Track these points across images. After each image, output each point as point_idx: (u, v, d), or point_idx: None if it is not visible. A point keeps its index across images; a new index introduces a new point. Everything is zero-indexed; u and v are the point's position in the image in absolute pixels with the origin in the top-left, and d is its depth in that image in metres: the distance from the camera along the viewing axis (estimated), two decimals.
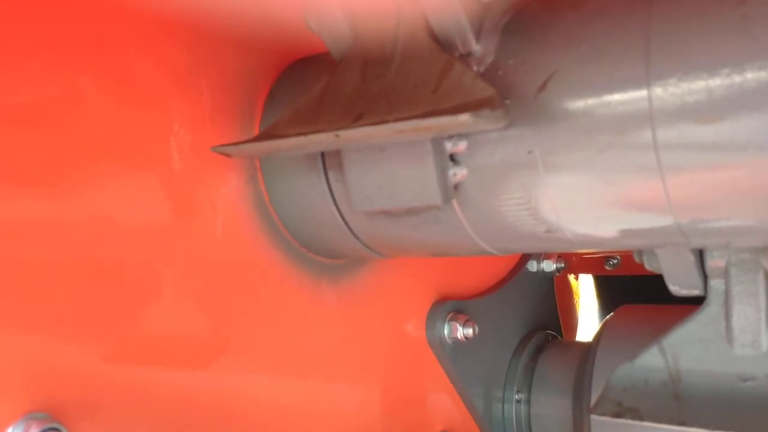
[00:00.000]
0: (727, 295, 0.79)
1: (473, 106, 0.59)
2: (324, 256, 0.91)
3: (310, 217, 0.82)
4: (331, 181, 0.78)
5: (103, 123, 0.66)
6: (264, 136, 0.69)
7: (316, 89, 0.70)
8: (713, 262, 0.80)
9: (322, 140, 0.64)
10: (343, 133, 0.63)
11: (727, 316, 0.79)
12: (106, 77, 0.67)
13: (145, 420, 0.69)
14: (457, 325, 1.11)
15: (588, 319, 2.05)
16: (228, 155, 0.72)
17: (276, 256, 0.84)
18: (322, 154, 0.78)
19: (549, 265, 1.48)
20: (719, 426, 0.72)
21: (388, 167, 0.70)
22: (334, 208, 0.80)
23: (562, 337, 1.53)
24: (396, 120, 0.61)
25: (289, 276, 0.86)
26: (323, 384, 0.92)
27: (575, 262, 1.78)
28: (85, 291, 0.63)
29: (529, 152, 0.65)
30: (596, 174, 0.63)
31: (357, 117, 0.65)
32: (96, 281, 0.64)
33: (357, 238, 0.83)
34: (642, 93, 0.58)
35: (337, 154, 0.74)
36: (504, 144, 0.66)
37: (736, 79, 0.54)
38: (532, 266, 1.47)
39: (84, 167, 0.64)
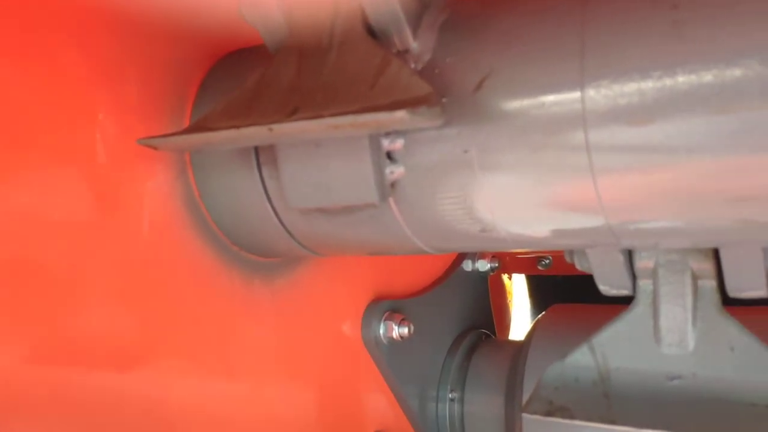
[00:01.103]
0: (655, 295, 0.81)
1: (410, 103, 0.58)
2: (257, 255, 0.89)
3: (242, 214, 0.80)
4: (265, 177, 0.76)
5: (22, 113, 0.62)
6: (194, 128, 0.66)
7: (250, 82, 0.68)
8: (642, 263, 0.82)
9: (255, 134, 0.62)
10: (277, 127, 0.61)
11: (655, 316, 0.81)
12: (25, 64, 0.63)
13: (66, 425, 0.66)
14: (393, 325, 1.10)
15: (521, 318, 2.09)
16: (155, 148, 0.69)
17: (206, 254, 0.82)
18: (256, 149, 0.76)
19: (483, 265, 1.50)
20: (647, 424, 0.73)
21: (324, 164, 0.68)
22: (267, 205, 0.78)
23: (495, 336, 1.55)
24: (332, 115, 0.59)
25: (220, 275, 0.83)
26: (256, 386, 0.90)
27: (509, 262, 1.80)
28: (3, 290, 0.60)
29: (466, 151, 0.65)
30: (530, 174, 0.63)
31: (292, 111, 0.63)
32: (15, 280, 0.61)
33: (291, 236, 0.81)
34: (575, 94, 0.59)
35: (272, 149, 0.72)
36: (441, 142, 0.66)
37: (668, 82, 0.55)
38: (468, 265, 1.48)
39: (1, 160, 0.61)
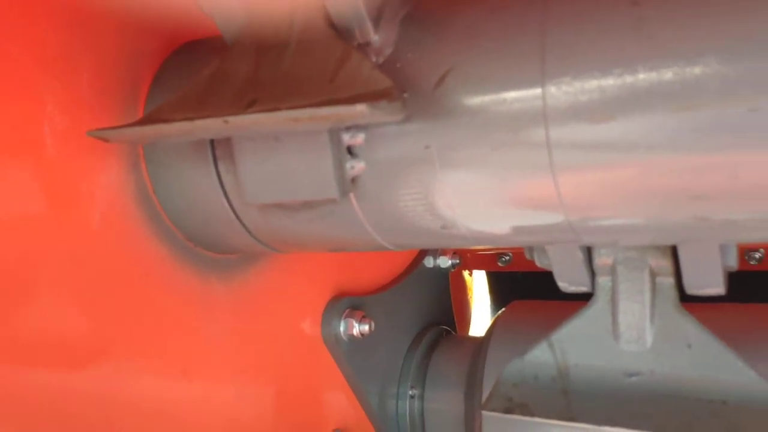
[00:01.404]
0: (613, 292, 0.82)
1: (370, 97, 0.57)
2: (213, 251, 0.87)
3: (197, 210, 0.78)
4: (221, 172, 0.74)
5: None
6: (147, 120, 0.64)
7: (206, 73, 0.66)
8: (601, 260, 0.83)
9: (210, 126, 0.60)
10: (233, 120, 0.59)
11: (614, 313, 0.81)
12: None
13: (13, 425, 0.63)
14: (353, 322, 1.09)
15: (481, 315, 2.10)
16: (106, 140, 0.66)
17: (160, 250, 0.79)
18: (212, 143, 0.74)
19: (445, 262, 1.50)
20: (606, 420, 0.74)
21: (283, 158, 0.67)
22: (224, 200, 0.76)
23: (456, 332, 1.55)
24: (290, 108, 0.58)
25: (174, 271, 0.81)
26: (212, 384, 0.88)
27: (470, 259, 1.81)
28: None
29: (427, 147, 0.64)
30: (491, 171, 0.63)
31: (249, 103, 0.61)
32: None
33: (249, 232, 0.79)
34: (536, 91, 0.58)
35: (228, 142, 0.70)
36: (402, 138, 0.65)
37: (628, 79, 0.54)
38: (429, 262, 1.48)
39: None
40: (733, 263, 0.77)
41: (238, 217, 0.77)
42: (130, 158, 0.76)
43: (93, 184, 0.72)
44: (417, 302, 1.41)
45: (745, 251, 1.35)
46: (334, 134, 0.65)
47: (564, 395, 0.80)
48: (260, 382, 0.98)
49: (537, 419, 0.77)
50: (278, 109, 0.58)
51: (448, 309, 1.57)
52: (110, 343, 0.73)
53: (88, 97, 0.72)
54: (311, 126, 0.60)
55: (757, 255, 1.22)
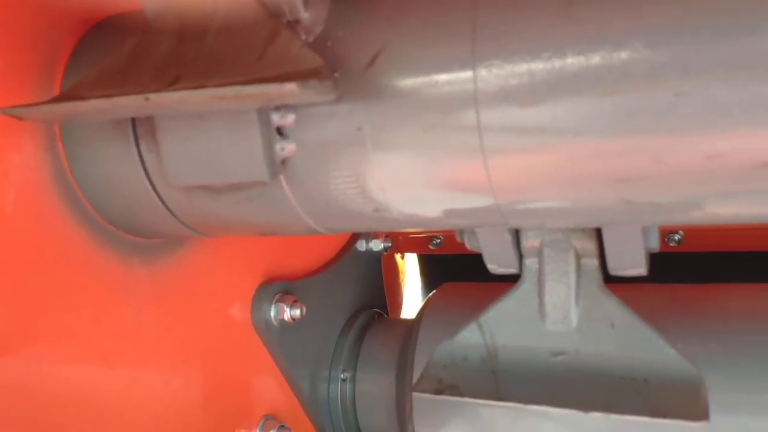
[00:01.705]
0: (540, 273, 0.83)
1: (300, 76, 0.56)
2: (135, 235, 0.83)
3: (118, 192, 0.74)
4: (143, 151, 0.71)
5: None
6: (63, 97, 0.61)
7: (126, 48, 0.63)
8: (528, 242, 0.84)
9: (130, 104, 0.57)
10: (154, 97, 0.56)
11: (540, 294, 0.83)
12: None
13: None
14: (284, 307, 1.08)
15: (413, 297, 2.12)
16: (20, 118, 0.62)
17: (78, 234, 0.75)
18: (133, 121, 0.70)
19: (377, 245, 1.50)
20: (532, 400, 0.75)
21: (209, 138, 0.64)
22: (146, 182, 0.73)
23: (388, 315, 1.56)
24: (216, 86, 0.56)
25: (94, 256, 0.77)
26: (136, 372, 0.85)
27: (401, 242, 1.81)
28: None
29: (359, 129, 0.63)
30: (422, 154, 0.63)
31: (172, 80, 0.58)
32: None
33: (173, 215, 0.77)
34: (467, 74, 0.58)
35: (150, 121, 0.67)
36: (333, 119, 0.63)
37: (557, 63, 0.55)
38: (362, 245, 1.48)
39: None
40: (655, 245, 0.79)
41: (161, 199, 0.75)
42: (47, 137, 0.72)
43: (6, 165, 0.67)
44: (349, 286, 1.41)
45: (665, 233, 1.41)
46: (263, 114, 0.63)
47: (493, 375, 0.81)
48: (188, 368, 0.95)
49: (466, 399, 0.78)
50: (203, 86, 0.56)
51: (381, 292, 1.57)
52: (27, 329, 0.69)
53: (1, 74, 0.67)
54: (238, 105, 0.58)
55: (677, 237, 1.27)
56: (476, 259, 0.89)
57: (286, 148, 0.66)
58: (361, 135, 0.63)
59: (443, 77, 0.59)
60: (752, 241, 1.21)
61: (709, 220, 0.64)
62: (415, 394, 0.81)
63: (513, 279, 0.87)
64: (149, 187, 0.73)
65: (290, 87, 0.54)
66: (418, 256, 2.10)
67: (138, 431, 0.86)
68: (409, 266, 2.03)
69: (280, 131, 0.65)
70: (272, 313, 1.08)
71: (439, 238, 1.80)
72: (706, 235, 1.32)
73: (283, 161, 0.67)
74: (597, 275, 0.82)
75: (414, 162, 0.64)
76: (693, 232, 1.36)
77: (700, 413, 0.70)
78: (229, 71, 0.58)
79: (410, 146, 0.62)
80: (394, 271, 1.82)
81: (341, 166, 0.66)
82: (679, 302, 1.02)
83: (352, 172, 0.66)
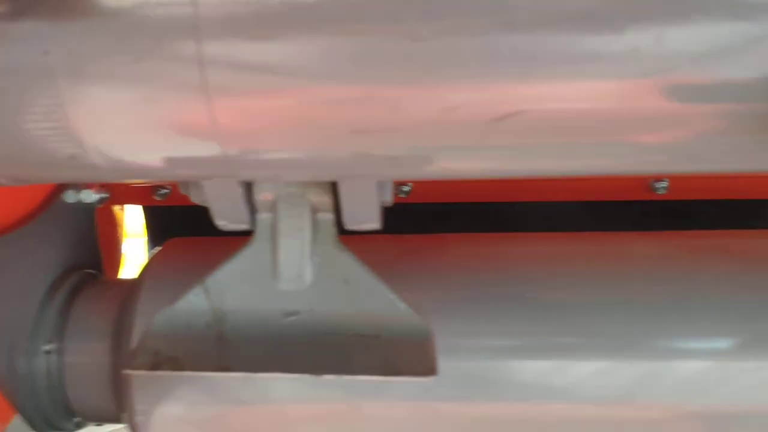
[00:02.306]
0: (274, 229, 0.78)
1: None
2: None
3: None
4: None
5: None
6: None
7: None
8: (262, 196, 0.78)
9: None
10: None
11: (274, 251, 0.78)
12: None
13: None
14: None
15: (137, 255, 1.95)
16: None
17: None
18: None
19: (89, 196, 1.31)
20: (261, 367, 0.70)
21: None
22: None
23: (103, 275, 1.39)
24: None
25: None
26: None
27: (121, 192, 1.63)
28: None
29: (46, 53, 0.51)
30: (133, 88, 0.53)
31: None
32: None
33: None
34: None
35: None
36: (13, 39, 0.51)
37: None
38: (70, 197, 1.28)
39: None
40: (389, 198, 0.79)
41: None
42: None
43: None
44: (54, 243, 1.22)
45: (395, 185, 1.44)
46: None
47: (218, 343, 0.74)
48: None
49: (186, 373, 0.70)
50: None
51: (94, 249, 1.39)
52: None
53: None
54: None
55: (406, 188, 1.30)
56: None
57: None
58: (49, 61, 0.52)
59: None
60: (479, 193, 1.28)
61: (444, 174, 0.64)
62: (127, 371, 0.71)
63: (250, 233, 0.80)
64: None
65: None
66: (143, 207, 1.93)
67: None
68: (132, 219, 1.85)
69: None
70: None
71: (167, 188, 1.65)
72: (435, 185, 1.37)
73: None
74: (332, 230, 0.80)
75: (123, 97, 0.54)
76: (422, 183, 1.41)
77: (429, 368, 0.71)
78: None
79: (117, 78, 0.53)
80: (111, 225, 1.63)
81: (26, 99, 0.54)
82: (412, 253, 1.04)
83: (40, 109, 0.55)
